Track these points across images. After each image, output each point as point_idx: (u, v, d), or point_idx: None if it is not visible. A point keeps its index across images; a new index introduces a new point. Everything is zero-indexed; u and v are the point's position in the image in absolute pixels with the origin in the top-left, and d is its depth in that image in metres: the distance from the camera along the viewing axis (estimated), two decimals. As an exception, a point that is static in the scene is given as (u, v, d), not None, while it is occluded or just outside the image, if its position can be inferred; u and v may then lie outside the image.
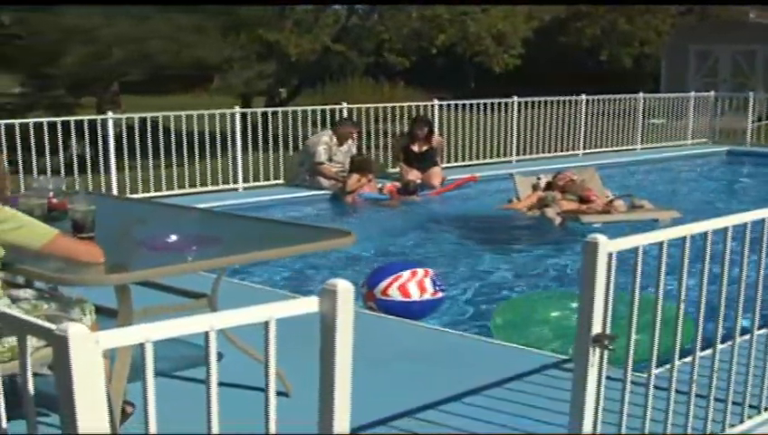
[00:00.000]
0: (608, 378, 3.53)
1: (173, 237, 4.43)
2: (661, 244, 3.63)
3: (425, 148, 14.20)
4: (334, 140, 13.38)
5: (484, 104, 16.44)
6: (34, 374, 2.38)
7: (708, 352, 4.10)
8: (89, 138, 12.78)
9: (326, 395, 2.42)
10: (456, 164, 15.74)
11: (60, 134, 12.14)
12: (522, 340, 6.08)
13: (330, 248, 5.97)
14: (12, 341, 3.81)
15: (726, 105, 20.72)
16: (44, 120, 12.21)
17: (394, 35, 22.93)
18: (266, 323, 2.33)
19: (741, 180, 16.58)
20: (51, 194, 5.00)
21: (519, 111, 16.60)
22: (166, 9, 16.53)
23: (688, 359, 4.02)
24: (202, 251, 4.43)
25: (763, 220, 4.16)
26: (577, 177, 11.66)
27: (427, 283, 7.13)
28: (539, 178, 11.86)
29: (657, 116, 19.48)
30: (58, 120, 12.25)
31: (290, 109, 15.08)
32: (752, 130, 19.37)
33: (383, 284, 7.09)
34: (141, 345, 2.12)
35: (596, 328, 3.40)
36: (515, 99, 16.53)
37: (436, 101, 15.96)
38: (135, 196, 11.87)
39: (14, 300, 4.22)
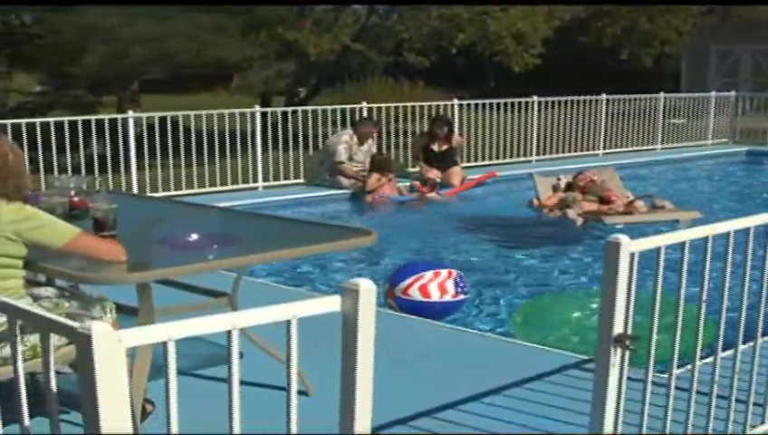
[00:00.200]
0: (628, 378, 3.52)
1: (193, 236, 4.44)
2: (683, 244, 3.61)
3: (445, 147, 14.21)
4: (355, 139, 13.38)
5: (504, 104, 16.41)
6: (56, 372, 2.38)
7: (730, 352, 4.08)
8: (109, 137, 12.82)
9: (347, 395, 2.41)
10: (475, 163, 15.74)
11: (80, 133, 12.17)
12: (542, 340, 6.07)
13: (351, 248, 5.96)
14: (33, 340, 3.82)
15: (747, 105, 20.64)
16: (65, 118, 12.25)
17: (414, 35, 22.87)
18: (288, 322, 2.33)
19: (762, 180, 16.48)
20: (72, 193, 5.01)
21: (539, 110, 16.58)
22: (186, 9, 16.55)
23: (709, 359, 4.00)
24: (222, 250, 4.44)
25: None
26: (597, 177, 11.61)
27: (449, 284, 7.10)
28: (559, 179, 11.81)
29: (677, 116, 19.40)
30: (79, 118, 12.27)
31: (309, 108, 15.09)
32: (772, 131, 19.30)
33: (405, 282, 7.08)
34: (164, 344, 2.12)
35: (617, 328, 3.39)
36: (535, 98, 16.50)
37: (455, 101, 15.95)
38: (155, 195, 11.90)
39: (36, 298, 4.24)
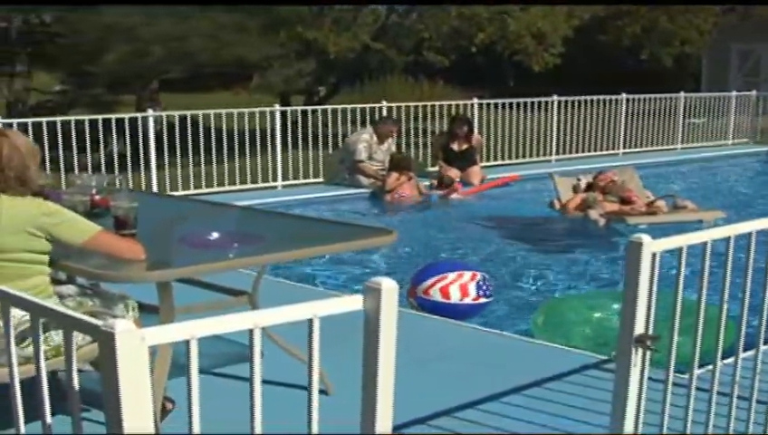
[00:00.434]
0: (649, 379, 3.51)
1: (214, 235, 4.45)
2: (705, 244, 3.59)
3: (464, 146, 14.20)
4: (374, 138, 13.39)
5: (524, 103, 16.40)
6: (78, 371, 2.39)
7: (751, 353, 4.06)
8: (129, 135, 12.86)
9: (369, 395, 2.40)
10: (495, 163, 15.72)
11: (101, 132, 12.21)
12: (563, 340, 6.06)
13: (371, 247, 5.98)
14: (58, 339, 3.83)
15: (768, 105, 20.55)
16: (86, 117, 12.29)
17: (433, 34, 22.83)
18: (310, 322, 2.32)
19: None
20: (93, 191, 5.03)
21: (558, 110, 16.55)
22: (206, 8, 16.59)
23: (730, 360, 3.98)
24: (243, 248, 4.44)
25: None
26: (618, 177, 11.58)
27: (471, 287, 7.05)
28: (579, 180, 11.79)
29: (697, 115, 19.31)
30: (99, 117, 12.31)
31: (329, 107, 15.12)
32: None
33: (427, 283, 7.06)
34: (187, 342, 2.12)
35: (638, 328, 3.38)
36: (555, 98, 16.48)
37: (475, 100, 15.95)
38: (175, 193, 11.93)
39: (61, 297, 4.25)
